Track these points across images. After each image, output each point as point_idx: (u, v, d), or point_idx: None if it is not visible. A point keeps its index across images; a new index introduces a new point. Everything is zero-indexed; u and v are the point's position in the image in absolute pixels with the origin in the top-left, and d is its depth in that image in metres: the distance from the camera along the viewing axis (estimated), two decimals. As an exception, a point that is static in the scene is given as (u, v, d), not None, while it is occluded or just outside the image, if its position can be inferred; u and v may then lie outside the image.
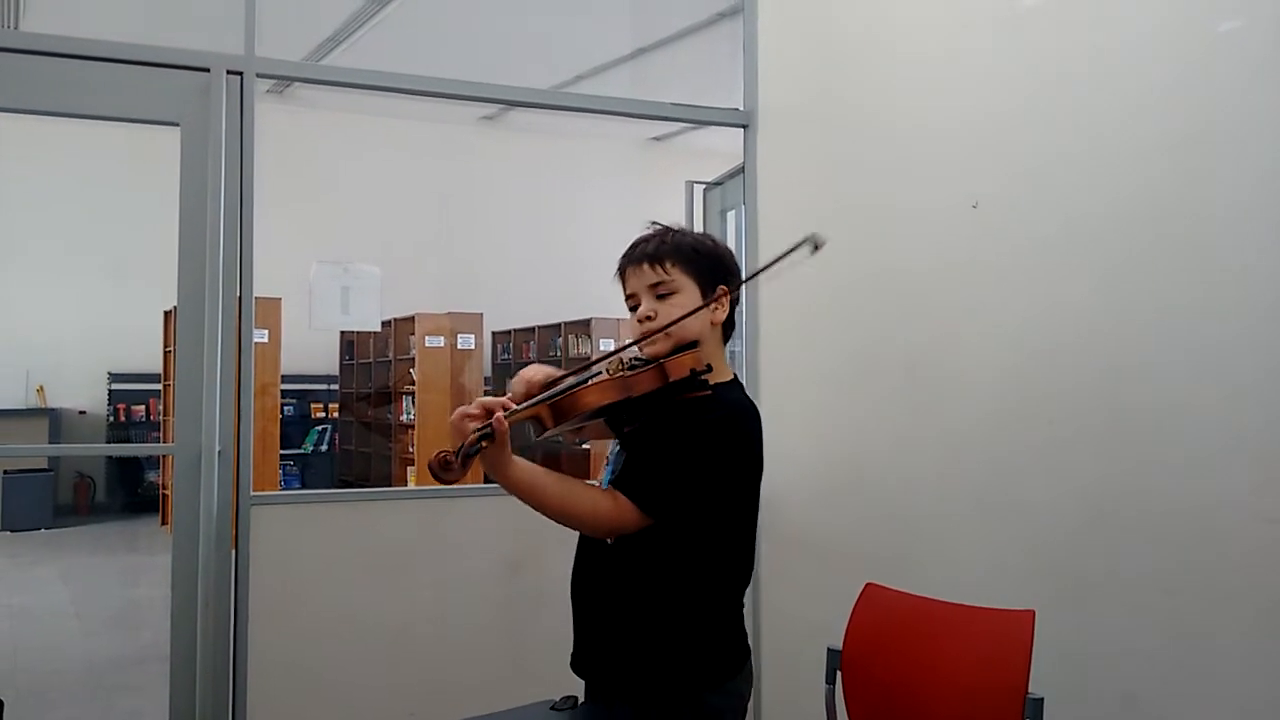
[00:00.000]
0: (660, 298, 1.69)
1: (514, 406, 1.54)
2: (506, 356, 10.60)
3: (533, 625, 3.03)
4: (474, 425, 1.49)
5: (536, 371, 1.68)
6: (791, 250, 1.69)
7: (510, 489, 1.55)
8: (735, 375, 1.77)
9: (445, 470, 1.46)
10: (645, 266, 1.70)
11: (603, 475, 1.75)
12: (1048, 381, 2.30)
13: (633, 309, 1.74)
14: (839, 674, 2.08)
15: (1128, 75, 2.16)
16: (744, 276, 1.73)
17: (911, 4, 2.78)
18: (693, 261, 1.70)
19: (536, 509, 1.58)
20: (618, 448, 1.74)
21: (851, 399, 2.92)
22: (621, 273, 1.75)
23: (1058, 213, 2.29)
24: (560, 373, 1.68)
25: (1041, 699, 1.79)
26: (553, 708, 1.75)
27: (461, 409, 1.52)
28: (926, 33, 2.71)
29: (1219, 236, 1.97)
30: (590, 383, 1.58)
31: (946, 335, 2.59)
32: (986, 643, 1.93)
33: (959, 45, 2.60)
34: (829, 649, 2.10)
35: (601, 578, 1.71)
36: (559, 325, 9.73)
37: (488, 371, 10.06)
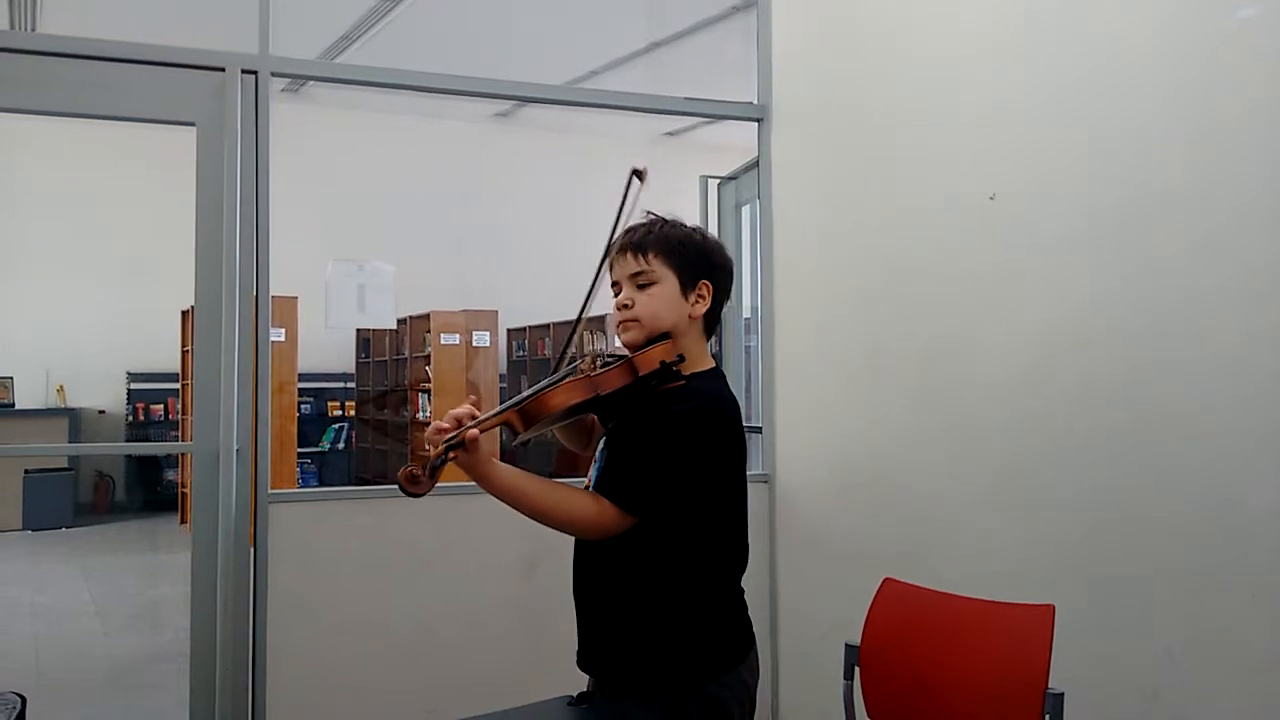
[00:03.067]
0: (640, 287, 1.70)
1: (481, 416, 1.55)
2: (522, 353, 10.61)
3: (549, 621, 3.03)
4: (444, 437, 1.52)
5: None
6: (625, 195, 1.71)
7: (492, 493, 1.58)
8: (717, 366, 1.78)
9: (413, 484, 1.49)
10: (629, 255, 1.73)
11: (591, 472, 1.76)
12: (1067, 378, 2.28)
13: (616, 295, 1.76)
14: (857, 669, 2.07)
15: (1146, 67, 2.14)
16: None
17: (926, -4, 2.76)
18: (676, 254, 1.71)
19: (523, 513, 1.60)
20: (603, 445, 1.76)
21: (868, 395, 2.90)
22: (609, 261, 1.77)
23: (1076, 208, 2.27)
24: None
25: (1062, 694, 1.78)
26: (570, 702, 1.75)
27: (434, 424, 1.56)
28: (942, 25, 2.69)
29: (1239, 231, 1.94)
30: (558, 384, 1.59)
31: (964, 331, 2.57)
32: (1006, 638, 1.91)
33: (975, 38, 2.58)
34: (847, 645, 2.09)
35: (598, 574, 1.73)
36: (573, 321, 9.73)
37: (503, 369, 10.07)
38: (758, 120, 3.37)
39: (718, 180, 3.83)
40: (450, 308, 8.55)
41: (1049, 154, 2.34)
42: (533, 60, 7.72)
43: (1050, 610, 1.86)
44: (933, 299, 2.68)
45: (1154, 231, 2.10)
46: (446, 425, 1.54)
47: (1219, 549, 1.96)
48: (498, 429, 1.56)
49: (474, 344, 8.49)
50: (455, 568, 3.00)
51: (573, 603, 1.79)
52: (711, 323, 1.77)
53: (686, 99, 3.44)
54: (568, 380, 1.60)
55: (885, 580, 2.14)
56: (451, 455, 1.50)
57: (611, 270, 1.76)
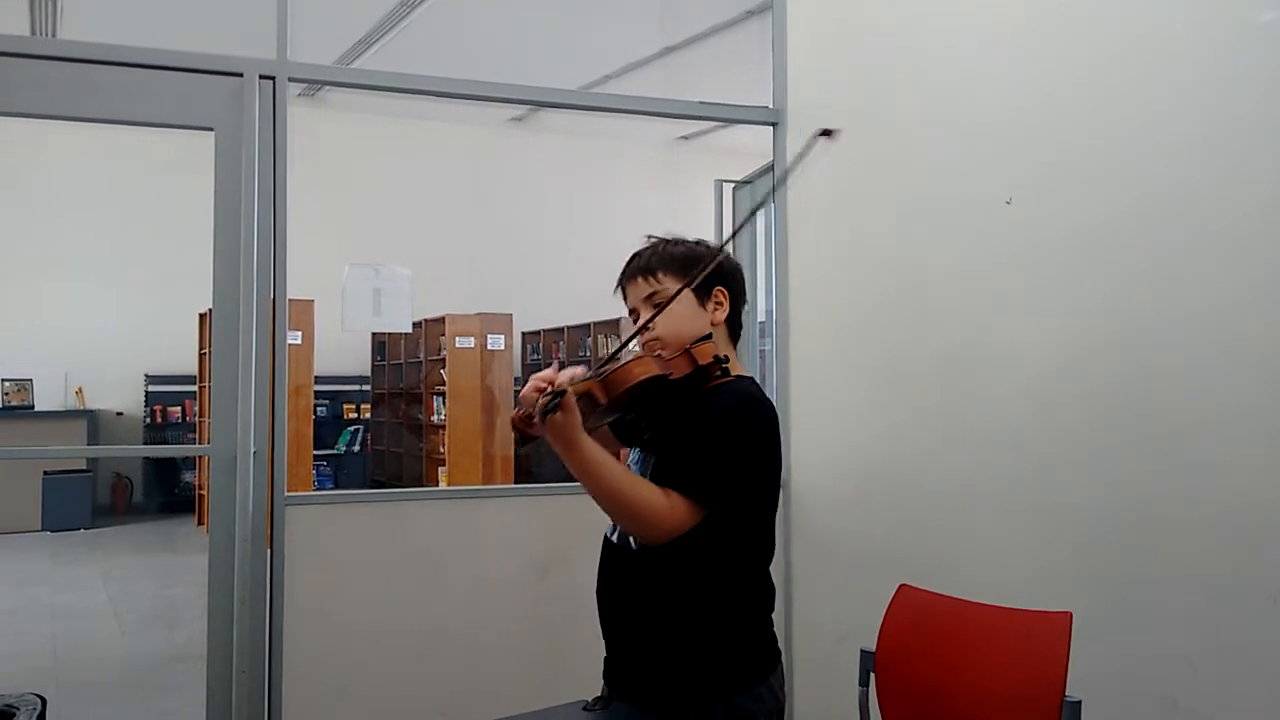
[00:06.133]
0: (657, 307, 1.70)
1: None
2: (536, 357, 10.62)
3: (565, 625, 3.04)
4: (547, 391, 1.50)
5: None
6: (805, 152, 1.73)
7: (576, 462, 1.53)
8: (751, 376, 1.79)
9: (528, 425, 1.50)
10: (639, 280, 1.75)
11: None
12: (1084, 381, 2.27)
13: (635, 322, 1.77)
14: (872, 676, 2.07)
15: (1163, 69, 2.12)
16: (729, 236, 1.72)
17: (943, -1, 2.76)
18: (685, 268, 1.72)
19: (596, 493, 1.56)
20: (639, 455, 1.75)
21: (884, 400, 2.89)
22: (621, 289, 1.80)
23: (1091, 211, 2.26)
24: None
25: (1079, 702, 1.77)
26: (585, 708, 1.75)
27: (533, 380, 1.53)
28: (956, 27, 2.68)
29: (1255, 233, 1.93)
30: (633, 359, 1.59)
31: (980, 335, 2.56)
32: (1022, 645, 1.90)
33: (989, 40, 2.57)
34: (862, 651, 2.08)
35: (628, 585, 1.71)
36: (588, 325, 9.75)
37: (518, 372, 10.09)
38: (772, 124, 3.37)
39: (732, 184, 3.83)
40: (465, 311, 8.57)
41: (1066, 157, 2.33)
42: (548, 65, 7.75)
43: (1067, 617, 1.85)
44: (949, 303, 2.67)
45: (1172, 234, 2.09)
46: (543, 384, 1.53)
47: (1238, 554, 1.94)
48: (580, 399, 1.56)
49: (489, 347, 8.50)
50: (470, 571, 3.01)
51: (595, 614, 1.76)
52: (735, 328, 1.80)
53: (701, 103, 3.44)
54: (641, 357, 1.60)
55: (901, 586, 2.13)
56: (558, 403, 1.48)
57: (626, 299, 1.78)
